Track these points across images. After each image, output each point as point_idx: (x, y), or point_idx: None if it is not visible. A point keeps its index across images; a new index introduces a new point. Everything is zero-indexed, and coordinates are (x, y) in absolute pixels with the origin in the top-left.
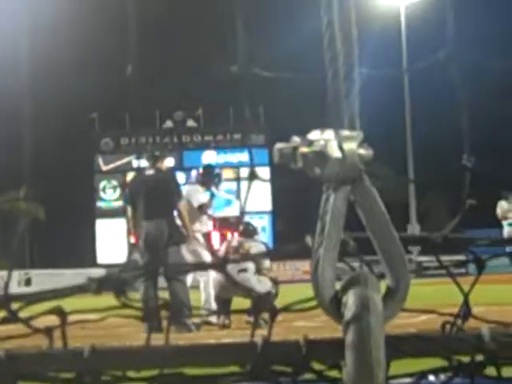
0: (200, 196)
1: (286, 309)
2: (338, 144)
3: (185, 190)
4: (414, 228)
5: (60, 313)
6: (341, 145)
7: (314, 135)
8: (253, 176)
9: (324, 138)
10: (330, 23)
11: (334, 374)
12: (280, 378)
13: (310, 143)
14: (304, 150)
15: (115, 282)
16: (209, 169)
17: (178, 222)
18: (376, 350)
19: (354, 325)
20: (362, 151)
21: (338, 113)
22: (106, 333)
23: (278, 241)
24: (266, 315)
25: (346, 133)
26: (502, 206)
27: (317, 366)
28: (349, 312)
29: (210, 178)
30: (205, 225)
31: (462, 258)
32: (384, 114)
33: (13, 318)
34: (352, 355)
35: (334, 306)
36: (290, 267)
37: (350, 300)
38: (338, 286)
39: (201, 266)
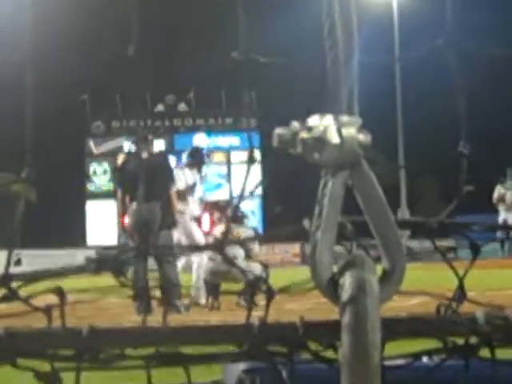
0: (184, 179)
1: (284, 290)
2: (337, 129)
3: (176, 172)
4: (404, 213)
5: (59, 292)
6: (340, 130)
7: (313, 120)
8: (252, 159)
9: (323, 124)
10: (331, 11)
11: (329, 354)
12: (276, 358)
13: (310, 128)
14: (303, 135)
15: (114, 262)
16: (196, 151)
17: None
18: (372, 331)
19: (350, 307)
20: (360, 137)
21: (337, 98)
22: (97, 313)
23: (269, 224)
24: (255, 298)
25: (345, 118)
26: (499, 190)
27: (313, 346)
28: (345, 294)
29: (197, 160)
30: (193, 207)
31: (451, 243)
32: (377, 100)
33: (13, 296)
34: (348, 336)
35: (331, 288)
36: (279, 250)
37: (347, 282)
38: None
39: (199, 248)
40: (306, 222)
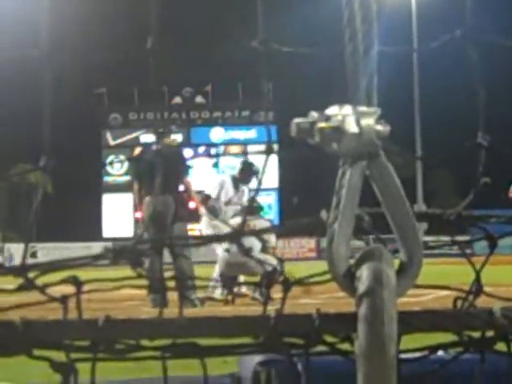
0: (219, 187)
1: (300, 282)
2: (356, 119)
3: (217, 179)
4: (420, 208)
5: (75, 282)
6: (358, 120)
7: (331, 110)
8: (270, 151)
9: (342, 114)
10: (350, 1)
11: (345, 346)
12: (292, 350)
13: (328, 118)
14: (321, 124)
15: (131, 252)
16: (248, 166)
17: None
18: (388, 323)
19: (367, 298)
20: (379, 127)
21: (356, 88)
22: (113, 305)
23: (285, 218)
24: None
25: (363, 108)
26: None
27: (329, 338)
28: (362, 286)
29: (247, 174)
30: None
31: (466, 237)
32: (395, 91)
33: (29, 285)
34: (364, 328)
35: (348, 280)
36: (294, 245)
37: (364, 274)
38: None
39: (215, 238)
40: (323, 214)
